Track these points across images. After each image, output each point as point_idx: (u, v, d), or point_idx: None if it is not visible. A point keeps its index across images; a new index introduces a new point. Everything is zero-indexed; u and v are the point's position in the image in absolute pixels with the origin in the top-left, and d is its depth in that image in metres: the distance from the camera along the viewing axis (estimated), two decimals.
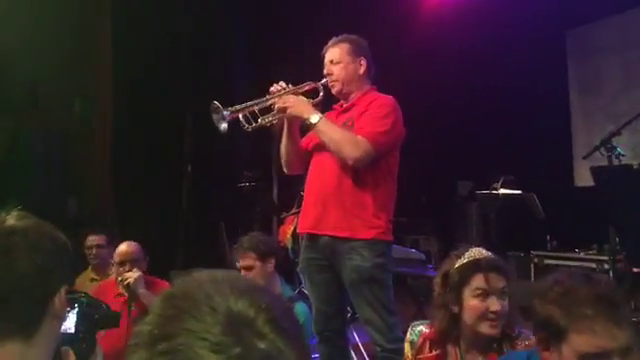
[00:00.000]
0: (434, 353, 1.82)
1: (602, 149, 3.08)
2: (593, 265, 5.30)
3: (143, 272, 2.84)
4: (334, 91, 2.69)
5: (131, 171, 5.62)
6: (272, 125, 2.64)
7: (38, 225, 1.07)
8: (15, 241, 1.03)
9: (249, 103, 2.56)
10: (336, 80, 2.65)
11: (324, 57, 2.69)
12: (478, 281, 1.72)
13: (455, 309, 1.76)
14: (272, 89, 2.60)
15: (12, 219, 1.06)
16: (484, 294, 1.72)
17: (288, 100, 2.54)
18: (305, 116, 2.51)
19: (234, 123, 2.57)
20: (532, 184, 5.18)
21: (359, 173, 2.51)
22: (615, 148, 3.10)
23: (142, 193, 5.46)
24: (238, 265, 2.77)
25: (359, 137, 2.45)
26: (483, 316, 1.72)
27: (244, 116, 2.56)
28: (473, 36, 6.10)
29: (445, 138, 6.65)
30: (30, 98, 5.69)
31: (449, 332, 1.80)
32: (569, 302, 1.21)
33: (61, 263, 1.08)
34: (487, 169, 5.31)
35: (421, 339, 1.88)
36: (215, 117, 2.54)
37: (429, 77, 6.39)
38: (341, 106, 2.71)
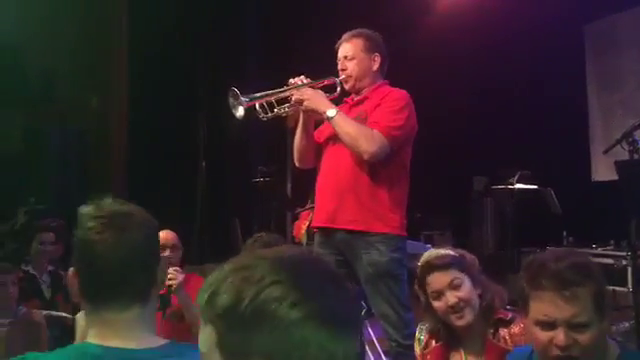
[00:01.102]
0: (439, 344, 1.91)
1: (624, 143, 3.03)
2: (610, 261, 5.24)
3: (179, 263, 2.78)
4: (347, 87, 2.69)
5: (146, 167, 5.66)
6: (287, 116, 2.64)
7: (139, 208, 1.25)
8: (130, 220, 1.19)
9: (267, 92, 2.57)
10: (349, 76, 2.64)
11: (337, 51, 2.68)
12: (430, 284, 1.85)
13: (433, 309, 1.87)
14: (291, 81, 2.61)
15: (118, 203, 1.23)
16: (439, 293, 1.82)
17: (306, 93, 2.54)
18: (322, 109, 2.51)
19: (249, 114, 2.58)
20: (549, 179, 5.13)
21: (374, 168, 2.50)
22: (637, 141, 3.05)
23: (157, 189, 5.50)
24: None
25: (375, 131, 2.45)
26: (446, 312, 1.82)
27: (261, 105, 2.57)
28: (490, 30, 6.04)
29: (461, 133, 6.60)
30: (46, 95, 5.76)
31: (439, 328, 1.90)
32: (535, 274, 1.33)
33: (157, 240, 1.26)
34: (503, 164, 5.27)
35: (427, 335, 1.97)
36: (232, 103, 2.56)
37: (446, 72, 6.35)
38: (352, 99, 2.71)
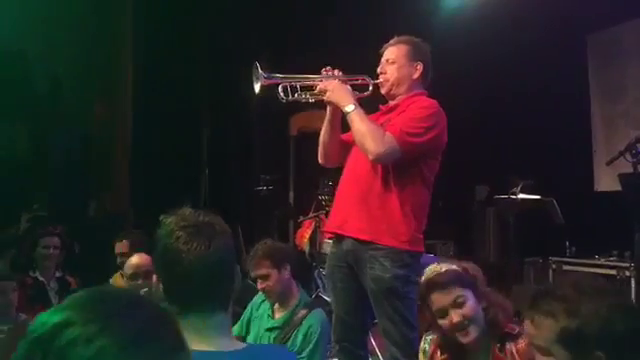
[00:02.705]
0: (445, 356, 1.89)
1: (627, 154, 3.03)
2: (613, 272, 5.22)
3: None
4: (383, 91, 2.61)
5: (149, 174, 5.67)
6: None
7: (217, 217, 1.31)
8: (215, 230, 1.26)
9: (292, 76, 2.52)
10: (387, 80, 2.56)
11: (382, 54, 2.61)
12: (433, 303, 1.83)
13: (438, 324, 1.85)
14: (323, 71, 2.56)
15: (199, 213, 1.29)
16: (442, 312, 1.81)
17: (331, 84, 2.48)
18: (343, 104, 2.44)
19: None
20: (552, 189, 5.12)
21: (389, 177, 2.42)
22: None
23: (160, 195, 5.51)
24: (252, 275, 2.71)
25: (387, 134, 2.37)
26: (452, 330, 1.80)
27: (284, 87, 2.51)
28: (494, 40, 6.05)
29: (464, 143, 6.59)
30: (51, 100, 5.78)
31: (447, 342, 1.88)
32: (538, 297, 1.36)
33: (234, 248, 1.32)
34: (506, 174, 5.27)
35: (433, 346, 1.94)
36: (254, 76, 2.51)
37: (447, 81, 6.34)
38: (386, 106, 2.63)
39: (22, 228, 4.73)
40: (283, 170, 5.29)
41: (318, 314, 2.68)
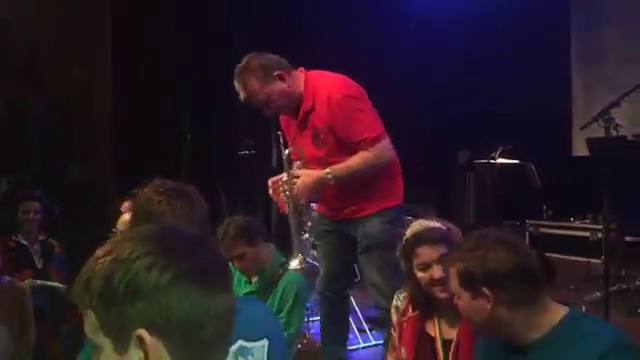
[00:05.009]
0: (416, 313, 1.95)
1: (600, 120, 3.09)
2: (587, 234, 5.38)
3: None
4: (285, 114, 2.64)
5: (131, 138, 5.63)
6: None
7: (192, 186, 1.42)
8: (194, 193, 1.40)
9: (296, 238, 2.56)
10: (277, 109, 2.56)
11: (247, 100, 2.54)
12: (418, 255, 1.86)
13: (415, 278, 1.89)
14: (274, 198, 2.60)
15: (174, 182, 1.41)
16: (425, 265, 1.85)
17: (300, 196, 2.52)
18: (321, 184, 2.49)
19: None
20: (530, 154, 5.20)
21: (344, 159, 2.51)
22: (613, 119, 3.12)
23: (141, 159, 5.49)
24: (226, 256, 2.53)
25: (372, 152, 2.46)
26: (430, 284, 1.85)
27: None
28: (475, 3, 6.03)
29: (446, 108, 6.64)
30: (28, 65, 5.66)
31: (418, 297, 1.93)
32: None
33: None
34: (487, 139, 5.33)
35: (405, 303, 2.00)
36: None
37: (430, 46, 6.35)
38: (297, 117, 2.59)
39: (2, 191, 4.69)
40: (266, 134, 5.28)
41: (294, 272, 2.72)
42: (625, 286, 4.09)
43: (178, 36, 5.93)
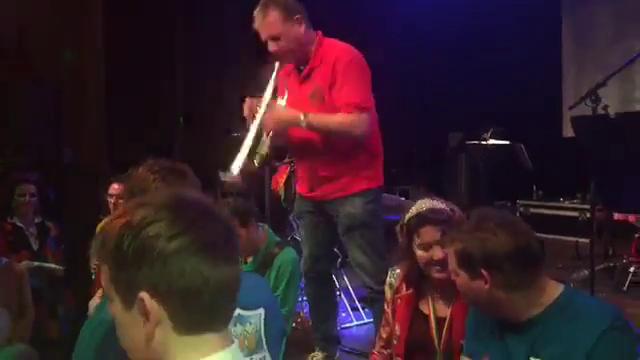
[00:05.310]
0: (410, 291, 1.97)
1: (588, 100, 3.12)
2: (576, 214, 5.45)
3: None
4: (288, 62, 2.62)
5: (124, 122, 5.63)
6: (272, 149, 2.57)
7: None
8: (186, 170, 1.46)
9: (243, 152, 2.52)
10: (285, 53, 2.54)
11: (258, 33, 2.52)
12: (420, 234, 1.87)
13: (413, 256, 1.91)
14: (245, 114, 2.56)
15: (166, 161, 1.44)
16: (427, 245, 1.86)
17: (268, 124, 2.50)
18: (293, 123, 2.49)
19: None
20: (522, 135, 5.25)
21: (325, 138, 2.53)
22: (600, 99, 3.15)
23: (136, 143, 5.50)
24: None
25: (351, 117, 2.45)
26: (429, 264, 1.87)
27: (247, 162, 2.54)
28: None
29: (439, 89, 6.66)
30: (18, 49, 5.62)
31: (413, 275, 1.95)
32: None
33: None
34: (479, 120, 5.37)
35: (399, 280, 2.02)
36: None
37: (422, 28, 6.34)
38: (300, 70, 2.60)
39: None
40: None
41: (289, 251, 2.78)
42: (612, 264, 4.17)
43: (171, 18, 5.90)
